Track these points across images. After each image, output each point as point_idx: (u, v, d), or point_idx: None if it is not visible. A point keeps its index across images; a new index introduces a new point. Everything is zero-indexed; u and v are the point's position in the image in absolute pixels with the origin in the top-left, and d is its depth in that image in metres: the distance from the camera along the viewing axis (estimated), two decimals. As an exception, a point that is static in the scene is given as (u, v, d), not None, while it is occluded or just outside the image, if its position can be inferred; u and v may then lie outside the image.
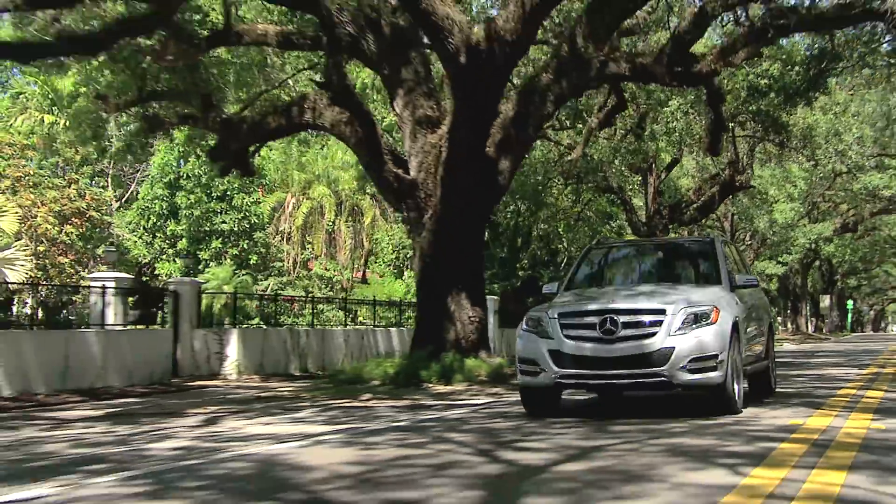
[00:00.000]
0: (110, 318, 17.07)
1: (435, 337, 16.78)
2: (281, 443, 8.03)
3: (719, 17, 18.05)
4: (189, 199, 36.39)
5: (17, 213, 34.44)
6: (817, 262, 63.18)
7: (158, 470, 6.57)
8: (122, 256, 38.31)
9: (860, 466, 5.75)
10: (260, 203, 38.58)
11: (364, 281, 40.82)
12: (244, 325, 21.42)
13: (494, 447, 7.35)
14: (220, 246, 36.70)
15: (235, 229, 36.93)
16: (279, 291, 36.05)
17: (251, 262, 37.33)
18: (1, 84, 48.49)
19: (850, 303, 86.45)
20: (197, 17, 18.33)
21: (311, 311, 22.90)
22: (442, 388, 14.96)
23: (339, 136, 19.21)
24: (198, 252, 36.79)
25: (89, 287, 17.86)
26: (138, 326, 17.94)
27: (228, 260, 36.10)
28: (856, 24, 18.00)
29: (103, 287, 17.03)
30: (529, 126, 17.21)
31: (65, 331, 16.33)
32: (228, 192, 37.20)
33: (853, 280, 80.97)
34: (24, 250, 33.93)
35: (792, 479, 5.31)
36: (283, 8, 19.10)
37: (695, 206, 32.37)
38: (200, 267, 36.27)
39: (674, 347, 9.13)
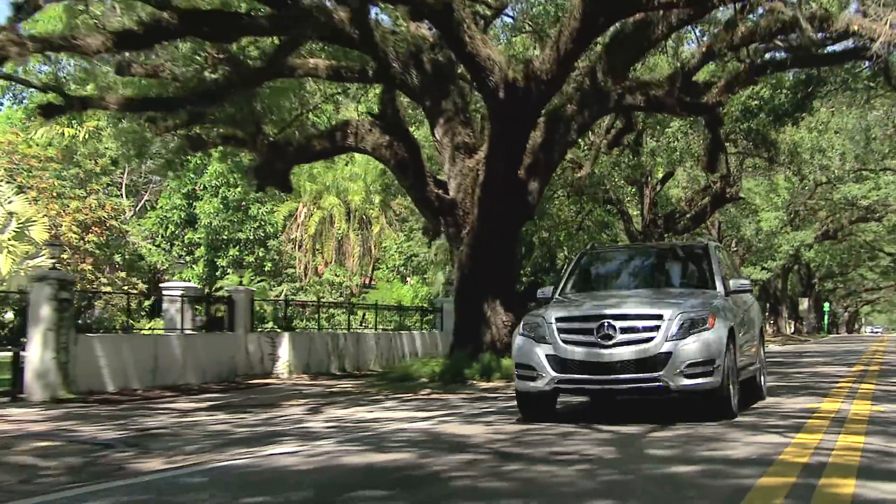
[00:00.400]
0: (179, 323, 19.03)
1: (473, 339, 18.80)
2: (409, 423, 10.09)
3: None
4: (208, 210, 38.29)
5: (45, 222, 36.34)
6: (796, 267, 65.71)
7: (353, 437, 8.64)
8: (135, 263, 40.18)
9: (872, 433, 7.90)
10: (274, 213, 40.54)
11: (370, 286, 42.88)
12: (294, 329, 23.27)
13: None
14: (237, 254, 38.65)
15: (251, 238, 38.90)
16: (292, 297, 38.01)
17: (266, 269, 39.31)
18: (14, 96, 50.10)
19: (826, 305, 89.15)
20: (255, 52, 20.35)
21: (347, 316, 24.85)
22: (485, 384, 16.93)
23: (379, 159, 21.27)
24: (215, 260, 38.74)
25: (163, 295, 19.80)
26: (206, 331, 19.86)
27: (246, 267, 38.05)
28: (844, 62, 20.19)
29: (182, 296, 19.01)
30: (555, 151, 19.33)
31: (153, 334, 18.23)
32: (244, 203, 39.17)
33: (830, 283, 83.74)
34: (53, 258, 35.78)
35: (826, 440, 7.45)
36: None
37: (688, 216, 34.63)
38: (218, 274, 38.25)
39: (671, 353, 9.28)
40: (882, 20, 16.29)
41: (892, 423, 8.65)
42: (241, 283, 32.61)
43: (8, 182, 36.12)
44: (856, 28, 16.86)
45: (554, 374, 9.55)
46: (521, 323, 10.38)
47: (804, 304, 76.00)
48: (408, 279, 43.51)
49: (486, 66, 17.25)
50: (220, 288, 39.09)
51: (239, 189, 37.76)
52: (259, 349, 20.82)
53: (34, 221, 35.21)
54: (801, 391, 13.12)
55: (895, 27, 16.25)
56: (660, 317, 9.43)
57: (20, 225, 33.67)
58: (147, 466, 7.42)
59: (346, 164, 40.92)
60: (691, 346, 9.27)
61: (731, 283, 10.89)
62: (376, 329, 25.96)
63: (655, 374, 9.26)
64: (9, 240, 32.88)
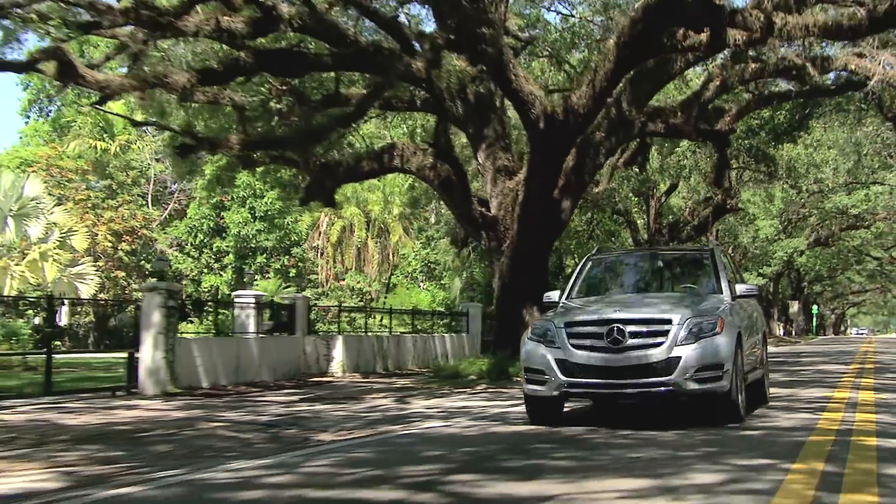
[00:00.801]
0: (250, 327, 21.26)
1: (513, 340, 21.05)
2: (500, 408, 12.40)
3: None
4: (237, 220, 40.55)
5: (85, 232, 38.61)
6: (788, 272, 68.36)
7: (476, 417, 10.94)
8: (164, 269, 42.42)
9: (881, 412, 10.27)
10: (298, 222, 42.83)
11: (389, 291, 45.21)
12: (347, 332, 25.48)
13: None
14: (264, 261, 40.93)
15: (277, 246, 41.17)
16: (315, 301, 40.29)
17: (290, 275, 41.59)
18: (41, 109, 52.33)
19: (815, 308, 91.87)
20: (315, 85, 22.65)
21: (388, 320, 27.05)
22: (528, 381, 19.30)
23: (424, 179, 23.60)
24: (243, 266, 41.02)
25: (235, 303, 22.03)
26: (274, 334, 22.09)
27: (273, 273, 40.34)
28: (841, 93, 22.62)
29: (257, 303, 21.29)
30: (585, 173, 21.70)
31: (235, 337, 20.39)
32: (269, 213, 41.44)
33: (818, 286, 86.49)
34: (93, 267, 38.12)
35: (846, 417, 9.81)
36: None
37: (690, 225, 37.06)
38: (246, 280, 40.50)
39: (681, 357, 9.40)
40: (876, 61, 18.73)
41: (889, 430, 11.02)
42: (282, 288, 34.81)
43: (49, 194, 38.24)
44: (853, 67, 19.31)
45: (563, 378, 9.72)
46: (531, 327, 10.63)
47: (794, 306, 78.62)
48: (421, 284, 45.79)
49: (529, 101, 19.57)
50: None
51: (266, 200, 40.00)
52: (315, 350, 23.04)
53: (75, 231, 37.44)
54: (812, 384, 15.49)
55: (888, 67, 18.72)
56: (669, 321, 9.60)
57: (63, 235, 35.81)
58: (327, 438, 9.66)
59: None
60: (701, 351, 9.43)
61: (738, 287, 11.09)
62: (414, 332, 28.20)
63: (665, 379, 9.41)
64: (53, 249, 34.95)
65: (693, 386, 9.42)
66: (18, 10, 17.22)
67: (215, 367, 18.59)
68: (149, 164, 47.14)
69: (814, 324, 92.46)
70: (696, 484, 5.96)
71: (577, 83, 20.47)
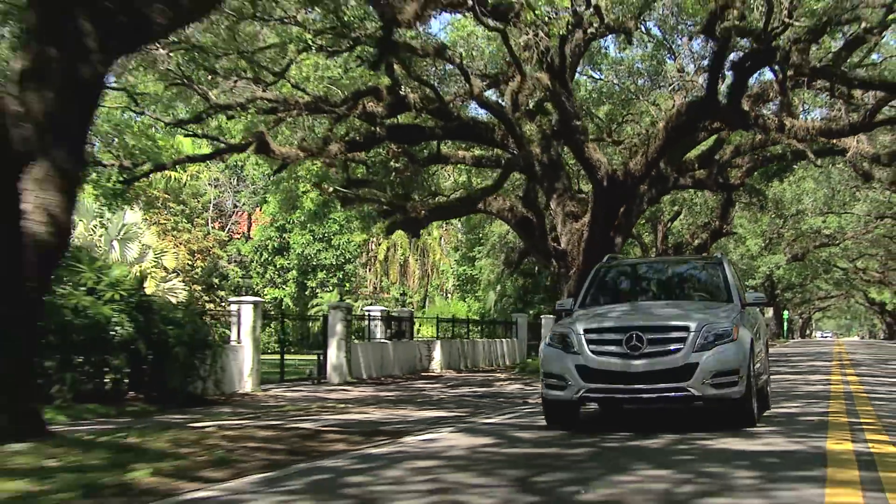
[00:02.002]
0: (378, 335, 27.82)
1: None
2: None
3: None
4: (300, 241, 47.12)
5: (174, 252, 45.09)
6: (765, 282, 75.66)
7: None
8: (223, 283, 48.88)
9: (869, 394, 17.08)
10: (350, 242, 49.49)
11: (427, 302, 51.94)
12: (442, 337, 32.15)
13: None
14: (324, 276, 47.52)
15: (334, 263, 47.77)
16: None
17: (345, 288, 48.23)
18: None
19: (785, 313, 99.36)
20: (420, 148, 29.26)
21: (468, 328, 33.75)
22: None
23: (502, 219, 30.30)
24: (305, 281, 47.56)
25: (367, 316, 28.61)
26: (395, 340, 28.70)
27: (333, 288, 46.96)
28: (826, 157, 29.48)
29: (387, 315, 27.96)
30: (633, 216, 28.44)
31: (381, 342, 26.92)
32: (326, 234, 48.03)
33: (789, 293, 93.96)
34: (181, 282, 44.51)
35: (846, 392, 16.60)
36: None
37: (692, 246, 44.00)
38: (307, 293, 47.05)
39: (698, 363, 9.70)
40: (853, 137, 25.58)
41: (873, 392, 17.73)
42: (341, 300, 41.33)
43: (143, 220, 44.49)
44: (835, 141, 26.18)
45: (583, 383, 10.00)
46: (549, 334, 10.84)
47: (769, 312, 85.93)
48: (449, 296, 52.53)
49: (596, 166, 26.28)
50: (314, 306, 47.76)
51: (325, 223, 46.54)
52: (418, 351, 29.70)
53: (166, 251, 43.84)
54: (813, 373, 22.33)
55: (860, 143, 25.64)
56: (686, 328, 9.89)
57: (157, 255, 42.14)
58: (531, 401, 16.24)
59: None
60: (717, 357, 9.76)
61: (747, 295, 11.59)
62: (482, 338, 34.93)
63: (683, 384, 9.73)
64: (150, 267, 41.24)
65: (710, 391, 9.80)
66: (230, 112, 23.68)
67: (369, 364, 25.23)
68: (205, 191, 53.43)
69: (785, 328, 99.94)
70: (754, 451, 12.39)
71: (632, 153, 27.12)
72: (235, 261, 51.52)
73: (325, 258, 47.25)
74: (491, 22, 19.91)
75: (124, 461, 7.30)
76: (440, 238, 49.86)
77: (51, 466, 7.05)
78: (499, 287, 44.73)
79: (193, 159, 26.83)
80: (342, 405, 16.06)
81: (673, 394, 9.88)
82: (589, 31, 22.76)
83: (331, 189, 30.08)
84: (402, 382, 23.82)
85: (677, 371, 9.78)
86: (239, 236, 53.15)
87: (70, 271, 16.22)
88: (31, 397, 8.79)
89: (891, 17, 19.31)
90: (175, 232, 48.39)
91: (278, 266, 47.70)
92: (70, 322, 15.53)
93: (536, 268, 40.73)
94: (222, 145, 25.71)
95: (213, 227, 53.05)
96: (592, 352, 10.05)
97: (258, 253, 48.20)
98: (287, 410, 15.04)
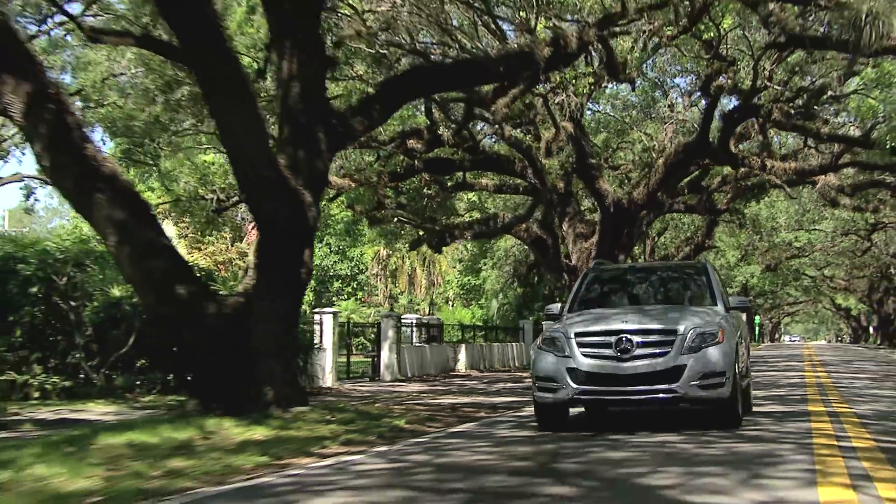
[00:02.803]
0: (413, 340, 32.15)
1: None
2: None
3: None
4: (318, 253, 51.35)
5: (206, 262, 48.84)
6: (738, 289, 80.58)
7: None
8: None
9: (838, 387, 21.64)
10: (363, 254, 53.80)
11: (433, 309, 56.28)
12: (466, 341, 36.53)
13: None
14: (340, 286, 51.80)
15: (348, 273, 52.06)
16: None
17: (358, 297, 52.52)
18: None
19: (757, 318, 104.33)
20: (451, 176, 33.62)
21: (486, 333, 38.15)
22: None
23: (518, 237, 34.77)
24: (322, 291, 51.79)
25: (403, 323, 32.90)
26: (428, 344, 33.02)
27: (347, 295, 51.23)
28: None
29: (420, 322, 32.29)
30: (634, 237, 33.00)
31: (421, 346, 31.23)
32: (341, 247, 52.32)
33: (761, 300, 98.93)
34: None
35: (820, 386, 21.15)
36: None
37: (676, 258, 48.59)
38: (324, 302, 51.24)
39: (686, 365, 9.96)
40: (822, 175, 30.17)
41: (842, 384, 22.20)
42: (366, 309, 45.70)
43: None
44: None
45: (574, 385, 10.22)
46: (540, 338, 11.09)
47: (743, 317, 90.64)
48: (451, 304, 56.94)
49: (604, 194, 30.77)
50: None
51: (339, 237, 50.78)
52: (446, 354, 34.05)
53: (197, 263, 47.79)
54: (790, 370, 26.88)
55: (825, 176, 30.24)
56: (674, 331, 10.15)
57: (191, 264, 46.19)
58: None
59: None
60: (705, 359, 10.02)
61: (731, 300, 11.90)
62: (498, 342, 39.38)
63: (671, 386, 9.98)
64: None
65: (698, 392, 10.08)
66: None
67: (412, 364, 29.58)
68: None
69: (756, 332, 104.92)
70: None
71: (636, 184, 31.63)
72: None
73: (341, 269, 51.49)
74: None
75: (376, 417, 11.67)
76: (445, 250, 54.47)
77: (333, 419, 11.37)
78: (500, 295, 49.13)
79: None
80: (416, 395, 20.13)
81: (662, 395, 10.18)
82: (602, 84, 27.27)
83: (361, 210, 34.30)
84: (442, 380, 28.11)
85: (666, 373, 10.10)
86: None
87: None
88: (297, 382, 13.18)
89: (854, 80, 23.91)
90: (201, 244, 52.32)
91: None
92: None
93: (536, 278, 45.24)
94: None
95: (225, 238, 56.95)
96: (583, 355, 10.33)
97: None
98: (381, 398, 19.24)
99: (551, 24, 16.63)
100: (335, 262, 51.50)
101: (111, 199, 11.75)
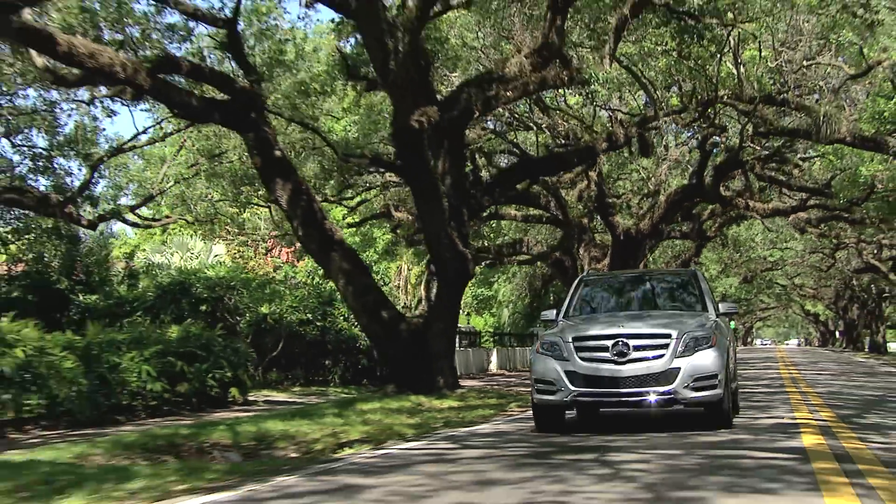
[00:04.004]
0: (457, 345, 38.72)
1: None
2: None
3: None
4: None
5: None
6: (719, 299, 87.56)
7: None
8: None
9: (803, 373, 28.52)
10: (388, 269, 60.23)
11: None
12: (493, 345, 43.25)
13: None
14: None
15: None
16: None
17: (384, 306, 58.97)
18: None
19: (732, 323, 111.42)
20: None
21: (510, 339, 44.75)
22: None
23: (542, 260, 41.53)
24: (352, 300, 58.20)
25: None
26: (471, 347, 39.62)
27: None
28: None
29: (468, 332, 38.98)
30: (639, 259, 39.83)
31: (481, 349, 37.75)
32: (367, 262, 58.73)
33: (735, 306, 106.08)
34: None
35: (795, 378, 28.01)
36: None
37: (666, 273, 55.58)
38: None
39: (680, 368, 10.38)
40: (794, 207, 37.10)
41: (818, 381, 29.04)
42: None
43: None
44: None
45: (572, 388, 10.61)
46: (538, 342, 11.35)
47: (732, 324, 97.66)
48: (464, 312, 63.52)
49: (615, 225, 37.59)
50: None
51: (368, 253, 57.27)
52: (482, 356, 40.70)
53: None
54: (768, 369, 33.73)
55: (798, 211, 37.20)
56: (669, 336, 10.58)
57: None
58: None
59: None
60: (698, 362, 10.44)
61: (721, 305, 12.26)
62: (520, 346, 46.12)
63: (666, 388, 10.40)
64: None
65: (691, 394, 10.43)
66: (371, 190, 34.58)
67: (461, 364, 36.26)
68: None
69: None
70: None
71: (642, 217, 38.41)
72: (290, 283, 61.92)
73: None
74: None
75: (503, 396, 18.38)
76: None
77: (484, 397, 18.07)
78: (511, 305, 55.87)
79: (353, 224, 37.45)
80: (502, 385, 26.89)
81: (657, 397, 10.49)
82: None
83: (402, 234, 40.84)
84: (485, 377, 34.79)
85: (661, 375, 10.44)
86: (285, 261, 63.51)
87: (336, 306, 27.20)
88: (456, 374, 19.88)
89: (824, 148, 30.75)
90: (242, 259, 58.71)
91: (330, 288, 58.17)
92: (337, 337, 26.55)
93: (543, 289, 51.92)
94: (353, 213, 36.58)
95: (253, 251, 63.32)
96: (581, 358, 10.66)
97: (310, 277, 58.56)
98: (483, 388, 25.88)
99: (607, 122, 23.30)
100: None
101: (341, 256, 18.45)
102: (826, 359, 49.66)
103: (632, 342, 10.55)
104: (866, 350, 72.11)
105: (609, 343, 10.59)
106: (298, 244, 47.65)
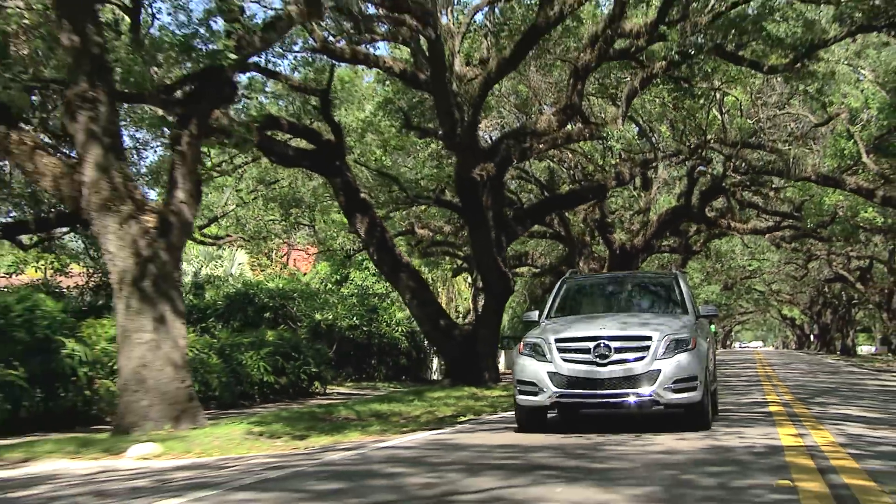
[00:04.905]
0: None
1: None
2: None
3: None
4: (361, 276, 62.46)
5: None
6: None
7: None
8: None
9: (777, 371, 33.39)
10: (396, 276, 64.98)
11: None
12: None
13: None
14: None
15: (385, 291, 63.04)
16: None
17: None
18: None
19: (712, 326, 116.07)
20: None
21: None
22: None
23: (550, 273, 46.33)
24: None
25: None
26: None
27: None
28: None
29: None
30: (635, 267, 44.65)
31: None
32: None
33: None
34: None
35: (772, 378, 32.86)
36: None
37: (654, 281, 60.47)
38: (365, 315, 62.39)
39: (660, 370, 10.49)
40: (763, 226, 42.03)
41: (788, 377, 33.86)
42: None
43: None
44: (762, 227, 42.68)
45: (555, 389, 10.73)
46: (521, 343, 11.46)
47: (712, 327, 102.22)
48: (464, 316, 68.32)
49: (612, 241, 42.38)
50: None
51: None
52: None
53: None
54: (747, 368, 38.59)
55: (770, 229, 42.17)
56: (649, 338, 10.71)
57: (261, 287, 57.13)
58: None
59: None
60: (678, 365, 10.58)
61: (701, 308, 12.46)
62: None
63: (647, 389, 10.52)
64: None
65: (671, 396, 10.60)
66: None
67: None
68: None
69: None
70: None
71: (636, 234, 43.22)
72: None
73: (379, 288, 62.32)
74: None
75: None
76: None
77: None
78: (510, 311, 60.65)
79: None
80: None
81: (638, 398, 10.59)
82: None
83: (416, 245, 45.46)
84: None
85: (642, 377, 10.56)
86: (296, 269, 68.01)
87: (379, 314, 31.90)
88: (498, 370, 24.65)
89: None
90: (259, 266, 63.22)
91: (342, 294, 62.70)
92: (381, 341, 31.27)
93: (542, 297, 56.58)
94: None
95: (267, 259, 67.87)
96: (564, 360, 10.76)
97: (323, 284, 63.08)
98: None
99: (615, 163, 28.10)
100: (374, 282, 62.34)
101: (408, 276, 23.18)
102: (799, 360, 54.66)
103: (613, 344, 10.69)
104: (838, 353, 77.05)
105: (591, 345, 10.73)
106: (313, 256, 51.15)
